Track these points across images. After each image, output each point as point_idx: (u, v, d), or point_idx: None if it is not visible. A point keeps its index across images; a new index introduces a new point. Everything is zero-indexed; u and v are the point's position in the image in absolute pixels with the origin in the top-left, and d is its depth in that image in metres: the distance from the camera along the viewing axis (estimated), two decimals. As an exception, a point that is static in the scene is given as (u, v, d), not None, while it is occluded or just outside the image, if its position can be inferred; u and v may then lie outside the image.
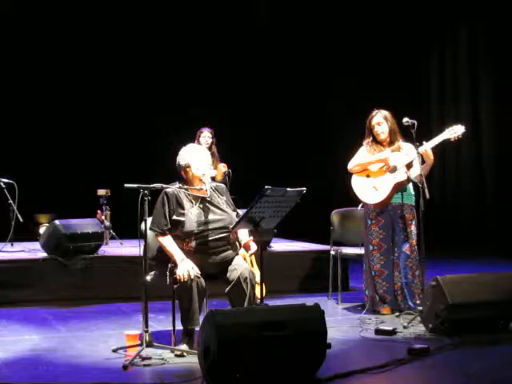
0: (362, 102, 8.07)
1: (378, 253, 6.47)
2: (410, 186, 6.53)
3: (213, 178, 7.15)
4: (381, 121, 6.49)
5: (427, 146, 6.25)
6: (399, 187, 6.43)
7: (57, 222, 7.46)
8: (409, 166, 6.42)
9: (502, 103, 11.54)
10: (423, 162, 6.27)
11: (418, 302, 6.16)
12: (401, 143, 6.51)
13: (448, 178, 12.51)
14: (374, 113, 6.55)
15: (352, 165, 6.58)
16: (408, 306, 6.32)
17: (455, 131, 6.24)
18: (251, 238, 5.37)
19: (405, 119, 6.16)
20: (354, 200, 6.71)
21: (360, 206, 6.75)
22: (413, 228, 6.43)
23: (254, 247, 5.32)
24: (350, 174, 6.61)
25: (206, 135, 8.51)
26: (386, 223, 6.46)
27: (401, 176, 6.42)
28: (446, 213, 12.19)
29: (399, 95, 11.20)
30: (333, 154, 10.27)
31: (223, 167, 8.50)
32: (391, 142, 6.52)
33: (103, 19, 11.10)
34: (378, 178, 6.47)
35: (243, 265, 5.22)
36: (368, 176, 6.52)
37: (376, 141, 6.54)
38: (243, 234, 5.41)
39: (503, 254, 10.30)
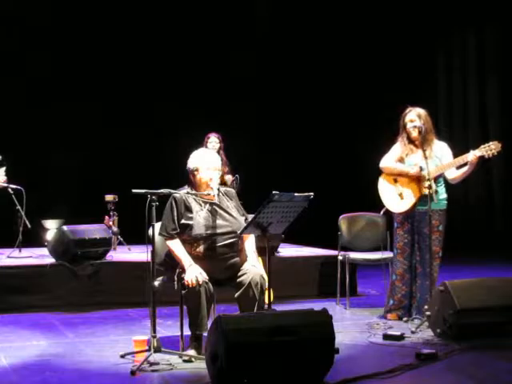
0: (368, 110, 8.10)
1: (402, 257, 6.40)
2: (442, 188, 6.40)
3: (222, 183, 7.10)
4: (414, 118, 6.33)
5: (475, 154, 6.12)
6: (425, 198, 6.22)
7: (64, 227, 7.48)
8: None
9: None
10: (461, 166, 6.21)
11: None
12: (435, 141, 6.38)
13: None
14: (407, 110, 6.40)
15: (385, 165, 6.44)
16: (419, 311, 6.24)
17: (491, 149, 6.09)
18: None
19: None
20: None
21: (382, 211, 6.59)
22: (438, 235, 6.28)
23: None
24: (379, 173, 6.48)
25: (212, 140, 8.41)
26: (410, 228, 6.36)
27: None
28: (454, 216, 12.15)
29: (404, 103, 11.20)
30: (344, 159, 10.33)
31: (229, 180, 8.39)
32: (425, 141, 6.27)
33: (109, 33, 11.16)
34: (405, 186, 6.35)
35: (254, 269, 5.19)
36: (395, 181, 6.42)
37: (409, 139, 6.38)
38: (248, 248, 5.39)
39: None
